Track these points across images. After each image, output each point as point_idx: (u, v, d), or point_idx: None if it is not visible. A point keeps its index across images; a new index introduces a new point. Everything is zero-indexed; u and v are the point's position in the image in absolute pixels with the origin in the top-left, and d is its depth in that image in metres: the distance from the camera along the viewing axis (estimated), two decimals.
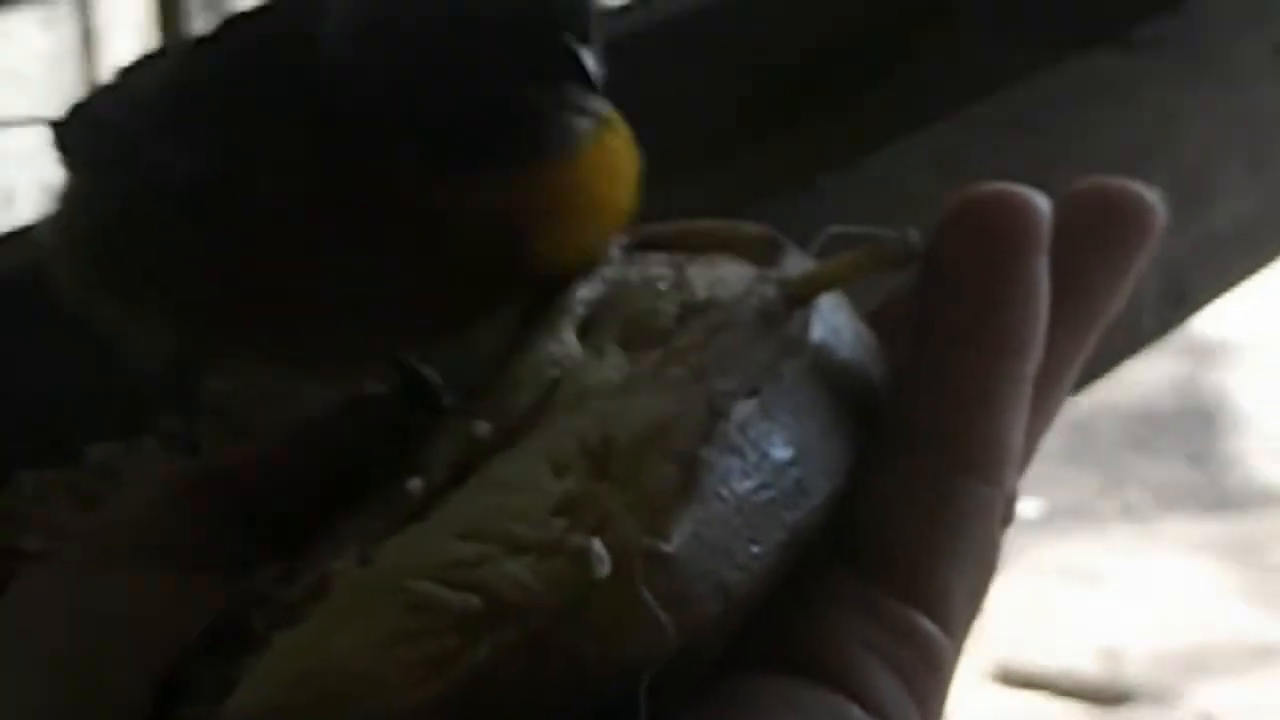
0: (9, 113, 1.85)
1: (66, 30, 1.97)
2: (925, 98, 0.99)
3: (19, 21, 1.92)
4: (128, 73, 0.54)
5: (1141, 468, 2.54)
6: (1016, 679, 2.18)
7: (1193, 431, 2.62)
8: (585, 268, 0.43)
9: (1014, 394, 0.39)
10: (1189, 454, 2.57)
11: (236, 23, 0.53)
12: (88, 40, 1.98)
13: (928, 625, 0.37)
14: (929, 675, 0.37)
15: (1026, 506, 2.43)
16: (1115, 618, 2.30)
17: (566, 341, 0.40)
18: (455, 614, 0.33)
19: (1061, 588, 2.35)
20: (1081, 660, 2.21)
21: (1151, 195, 0.41)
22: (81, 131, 0.54)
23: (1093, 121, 0.84)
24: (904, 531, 0.38)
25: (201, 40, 0.53)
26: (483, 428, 0.38)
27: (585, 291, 0.42)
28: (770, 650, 0.36)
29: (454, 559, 0.34)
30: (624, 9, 0.97)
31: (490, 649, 0.33)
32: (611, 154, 0.46)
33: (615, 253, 0.43)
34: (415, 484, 0.37)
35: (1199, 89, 0.90)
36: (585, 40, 0.44)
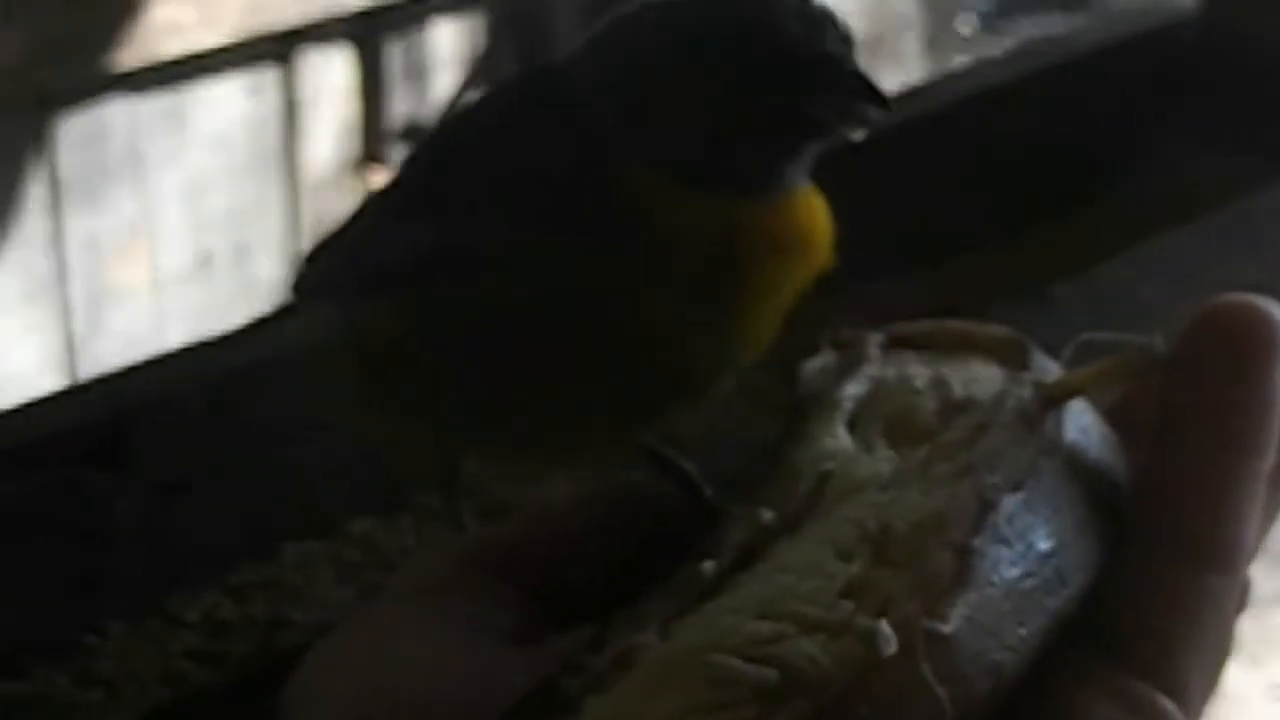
0: (211, 177, 1.90)
1: (270, 97, 2.02)
2: (1153, 207, 1.02)
3: (225, 88, 1.97)
4: (359, 207, 0.59)
5: None
6: None
7: None
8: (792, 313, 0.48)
9: (1250, 491, 0.42)
10: None
11: (453, 120, 0.57)
12: (291, 108, 2.04)
13: (1167, 703, 0.40)
14: None
15: None
16: (1271, 703, 2.29)
17: (839, 436, 0.44)
18: (754, 687, 0.36)
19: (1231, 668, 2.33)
20: None
21: None
22: (321, 266, 0.59)
23: None
24: (1148, 618, 0.41)
25: (418, 151, 0.57)
26: (768, 515, 0.42)
27: (852, 388, 0.45)
28: None
29: (752, 636, 0.37)
30: None
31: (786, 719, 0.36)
32: (819, 205, 0.51)
33: (874, 351, 0.47)
34: (708, 566, 0.40)
35: None
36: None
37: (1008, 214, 1.01)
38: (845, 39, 0.50)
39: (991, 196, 1.01)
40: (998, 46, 2.73)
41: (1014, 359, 0.45)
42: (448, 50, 2.15)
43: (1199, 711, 0.41)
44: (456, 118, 0.57)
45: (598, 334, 0.50)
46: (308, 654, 0.44)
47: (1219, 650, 0.42)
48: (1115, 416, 0.45)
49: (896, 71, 2.43)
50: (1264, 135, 1.08)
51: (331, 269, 0.58)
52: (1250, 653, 2.34)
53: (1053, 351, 0.45)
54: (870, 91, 0.49)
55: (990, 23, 3.04)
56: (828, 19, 0.50)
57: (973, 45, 2.76)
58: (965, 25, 2.84)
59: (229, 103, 1.98)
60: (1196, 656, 0.41)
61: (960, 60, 2.52)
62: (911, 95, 1.03)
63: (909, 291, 0.91)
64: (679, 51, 0.50)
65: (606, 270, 0.49)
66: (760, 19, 0.49)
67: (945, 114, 1.00)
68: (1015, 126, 1.04)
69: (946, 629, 0.37)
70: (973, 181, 1.00)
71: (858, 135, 0.50)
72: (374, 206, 0.58)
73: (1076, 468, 0.42)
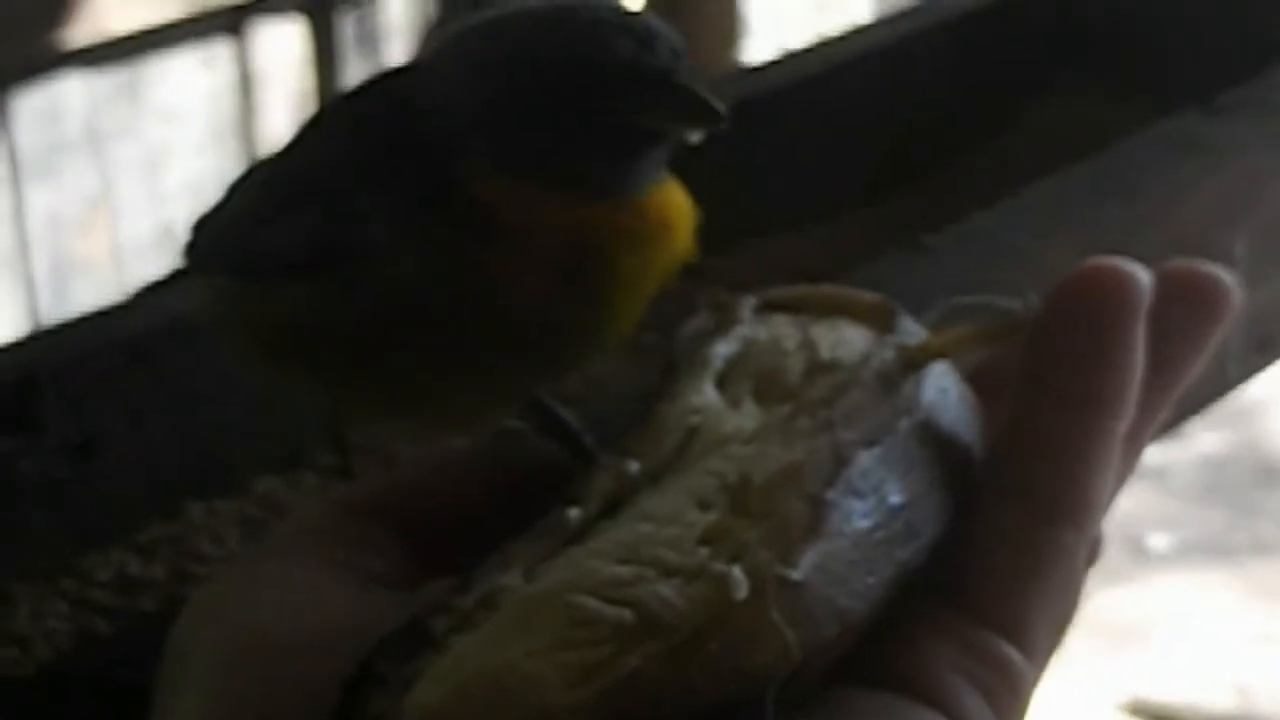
0: (168, 150, 1.90)
1: (224, 70, 2.03)
2: (1028, 158, 1.04)
3: (180, 62, 1.98)
4: (240, 180, 0.61)
5: (1272, 503, 2.55)
6: (1148, 711, 2.20)
7: None
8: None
9: (1105, 449, 0.43)
10: None
11: (334, 107, 0.59)
12: (245, 81, 2.04)
13: (1011, 652, 0.42)
14: (1010, 695, 0.42)
15: (1159, 541, 2.44)
16: (1247, 651, 2.31)
17: (706, 393, 0.45)
18: (612, 626, 0.38)
19: (1194, 621, 2.36)
20: (1213, 694, 2.23)
21: (1230, 279, 0.46)
22: (207, 240, 0.60)
23: (1181, 180, 0.88)
24: (996, 570, 0.43)
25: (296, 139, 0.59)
26: (633, 466, 0.43)
27: (723, 348, 0.47)
28: (873, 668, 0.41)
29: (611, 579, 0.39)
30: (742, 75, 1.02)
31: (640, 658, 0.38)
32: (678, 198, 0.54)
33: (748, 314, 0.48)
34: (574, 513, 0.42)
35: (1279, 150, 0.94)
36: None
37: (892, 170, 1.03)
38: (674, 52, 0.52)
39: (874, 153, 1.02)
40: None
41: (882, 322, 0.47)
42: (400, 19, 2.16)
43: (1044, 661, 0.43)
44: (327, 115, 0.59)
45: (466, 321, 0.52)
46: (189, 602, 0.45)
47: (1066, 603, 0.43)
48: (983, 378, 0.47)
49: None
50: (1135, 85, 1.11)
51: (217, 246, 0.59)
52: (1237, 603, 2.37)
53: (923, 300, 0.47)
54: (697, 103, 0.51)
55: None
56: (655, 34, 0.52)
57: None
58: None
59: (183, 76, 1.98)
60: (1043, 609, 0.43)
61: None
62: (794, 58, 1.05)
63: (799, 247, 0.93)
64: (513, 69, 0.52)
65: (465, 267, 0.51)
66: (587, 36, 0.51)
67: (828, 76, 1.02)
68: (897, 86, 1.06)
69: (796, 575, 0.39)
70: (854, 140, 1.02)
71: (694, 139, 0.52)
72: (255, 184, 0.59)
73: (933, 427, 0.44)
